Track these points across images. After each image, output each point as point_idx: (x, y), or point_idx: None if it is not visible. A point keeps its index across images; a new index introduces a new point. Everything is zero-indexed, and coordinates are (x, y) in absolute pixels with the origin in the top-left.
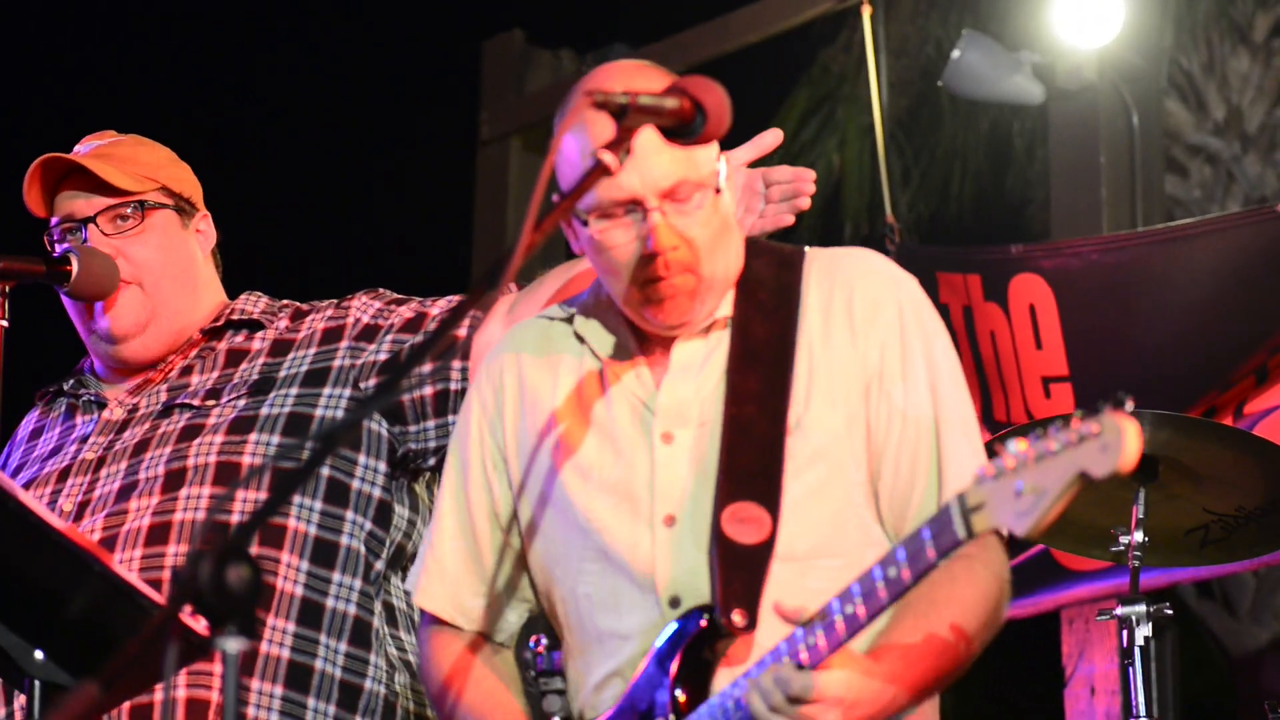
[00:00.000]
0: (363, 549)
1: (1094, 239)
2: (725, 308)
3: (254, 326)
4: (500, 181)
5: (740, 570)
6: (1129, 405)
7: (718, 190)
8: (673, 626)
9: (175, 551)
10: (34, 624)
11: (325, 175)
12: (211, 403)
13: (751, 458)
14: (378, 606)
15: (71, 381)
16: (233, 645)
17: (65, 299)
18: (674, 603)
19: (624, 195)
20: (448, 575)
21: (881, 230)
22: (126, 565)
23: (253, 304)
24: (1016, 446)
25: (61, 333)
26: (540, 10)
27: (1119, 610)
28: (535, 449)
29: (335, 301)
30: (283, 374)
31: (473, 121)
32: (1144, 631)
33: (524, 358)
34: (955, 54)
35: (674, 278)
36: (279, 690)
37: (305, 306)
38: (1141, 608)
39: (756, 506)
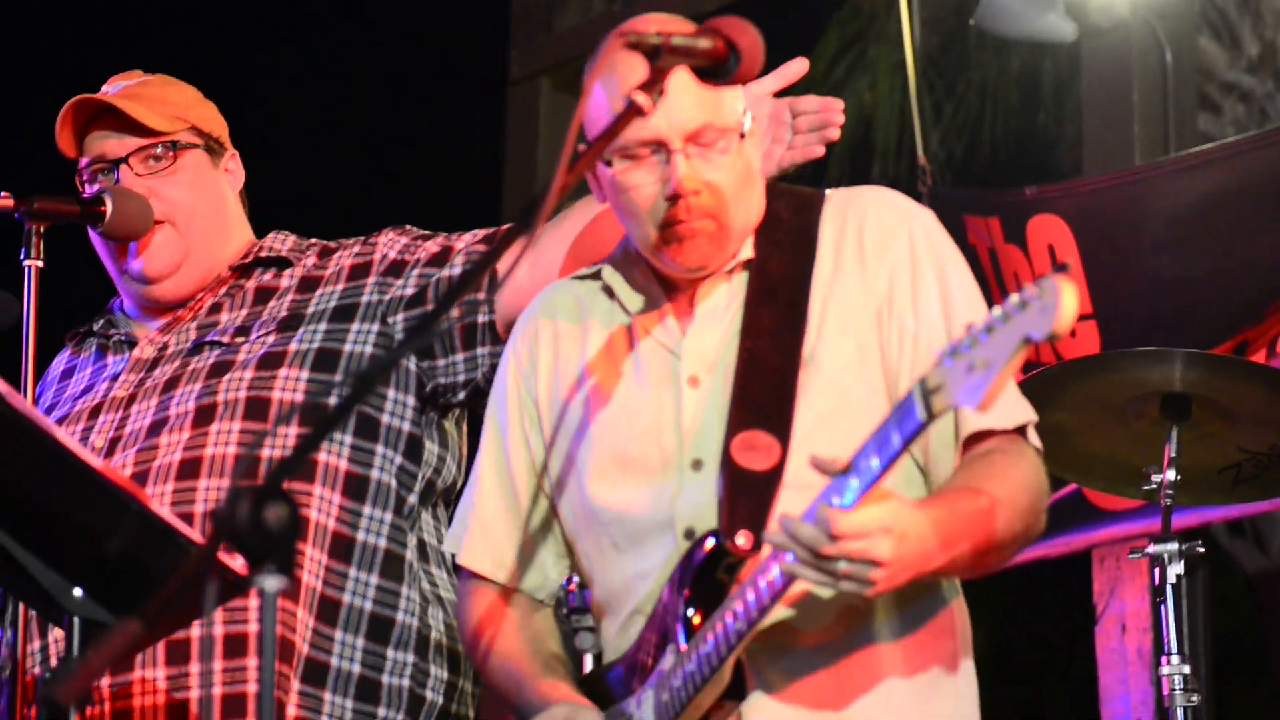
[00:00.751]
0: (394, 483)
1: (1111, 175)
2: (747, 250)
3: (282, 264)
4: (530, 120)
5: (747, 495)
6: (1070, 270)
7: (742, 136)
8: (682, 552)
9: (206, 486)
10: (72, 562)
11: (355, 114)
12: (241, 339)
13: (764, 390)
14: (411, 540)
15: (102, 322)
16: (271, 584)
17: (97, 240)
18: (688, 534)
19: (649, 136)
20: (489, 533)
21: (913, 172)
22: (158, 500)
23: (280, 242)
24: (966, 330)
25: (92, 273)
26: None
27: (1151, 549)
28: (567, 404)
29: (362, 239)
30: (311, 310)
31: (503, 60)
32: (1176, 570)
33: (557, 318)
34: None
35: (694, 221)
36: (311, 620)
37: (332, 244)
38: (1174, 546)
39: (767, 435)
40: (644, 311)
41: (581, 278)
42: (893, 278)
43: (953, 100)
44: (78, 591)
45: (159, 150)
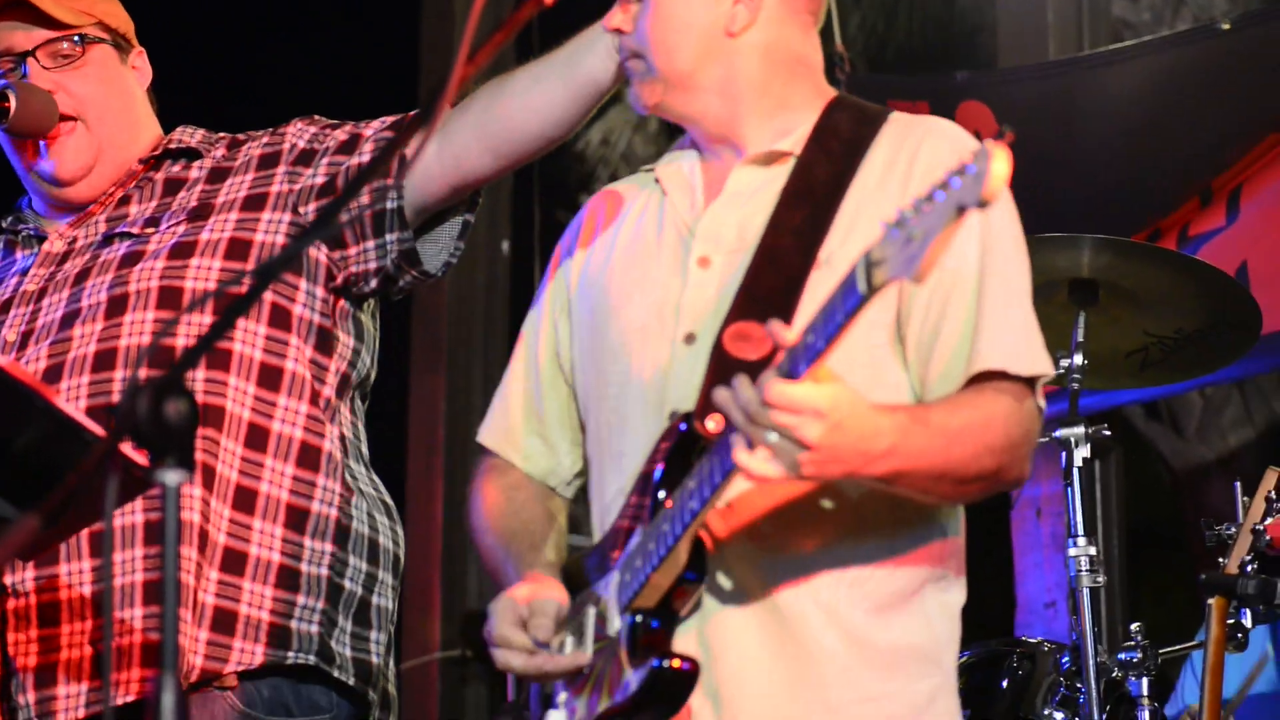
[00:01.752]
0: (307, 375)
1: (1033, 65)
2: (792, 144)
3: (191, 155)
4: (446, 6)
5: (728, 382)
6: (1008, 136)
7: None
8: (658, 435)
9: (122, 376)
10: None
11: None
12: (151, 230)
13: (773, 284)
14: (331, 432)
15: (9, 218)
16: (172, 477)
17: (3, 138)
18: (673, 416)
19: None
20: (509, 414)
21: (831, 59)
22: (74, 391)
23: (189, 135)
24: (914, 198)
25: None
26: None
27: (1058, 432)
28: (593, 284)
29: (271, 130)
30: (221, 200)
31: None
32: (1082, 453)
33: (606, 204)
34: None
35: (626, 59)
36: (226, 510)
37: (241, 136)
38: (1080, 430)
39: (759, 326)
40: (677, 188)
41: (642, 172)
42: None
43: None
44: None
45: (66, 45)
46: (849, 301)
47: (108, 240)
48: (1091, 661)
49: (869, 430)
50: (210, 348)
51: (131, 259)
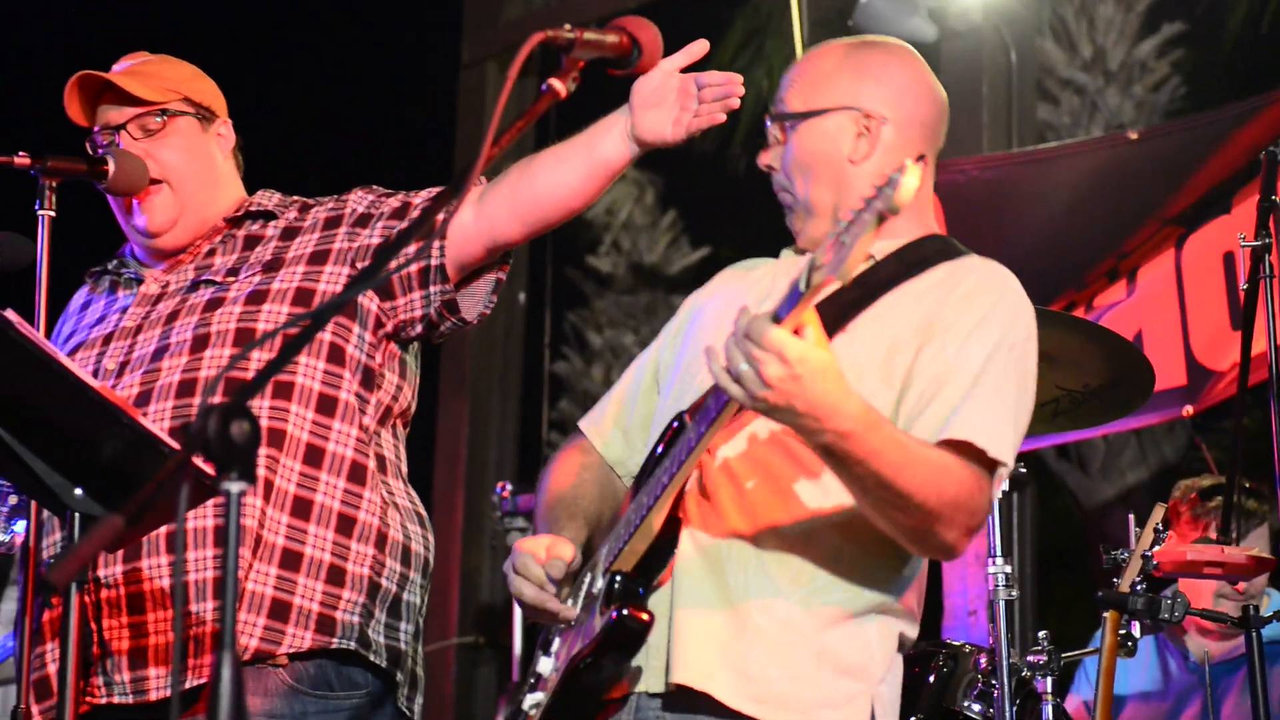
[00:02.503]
0: (356, 403)
1: (974, 159)
2: (879, 250)
3: (268, 216)
4: (479, 99)
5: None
6: (926, 161)
7: (791, 119)
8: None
9: (200, 402)
10: (74, 466)
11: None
12: (231, 279)
13: None
14: (372, 452)
15: (115, 262)
16: (235, 487)
17: (111, 198)
18: (678, 415)
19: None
20: (606, 408)
21: None
22: (160, 414)
23: (267, 198)
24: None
25: (97, 222)
26: None
27: None
28: (698, 318)
29: (335, 196)
30: (291, 254)
31: (455, 48)
32: (1002, 486)
33: (736, 269)
34: None
35: (778, 193)
36: (284, 517)
37: (311, 201)
38: None
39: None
40: (784, 273)
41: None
42: (960, 317)
43: None
44: (78, 491)
45: (153, 118)
46: (793, 298)
47: (195, 286)
48: (1005, 662)
49: (833, 398)
50: (271, 378)
51: (214, 304)
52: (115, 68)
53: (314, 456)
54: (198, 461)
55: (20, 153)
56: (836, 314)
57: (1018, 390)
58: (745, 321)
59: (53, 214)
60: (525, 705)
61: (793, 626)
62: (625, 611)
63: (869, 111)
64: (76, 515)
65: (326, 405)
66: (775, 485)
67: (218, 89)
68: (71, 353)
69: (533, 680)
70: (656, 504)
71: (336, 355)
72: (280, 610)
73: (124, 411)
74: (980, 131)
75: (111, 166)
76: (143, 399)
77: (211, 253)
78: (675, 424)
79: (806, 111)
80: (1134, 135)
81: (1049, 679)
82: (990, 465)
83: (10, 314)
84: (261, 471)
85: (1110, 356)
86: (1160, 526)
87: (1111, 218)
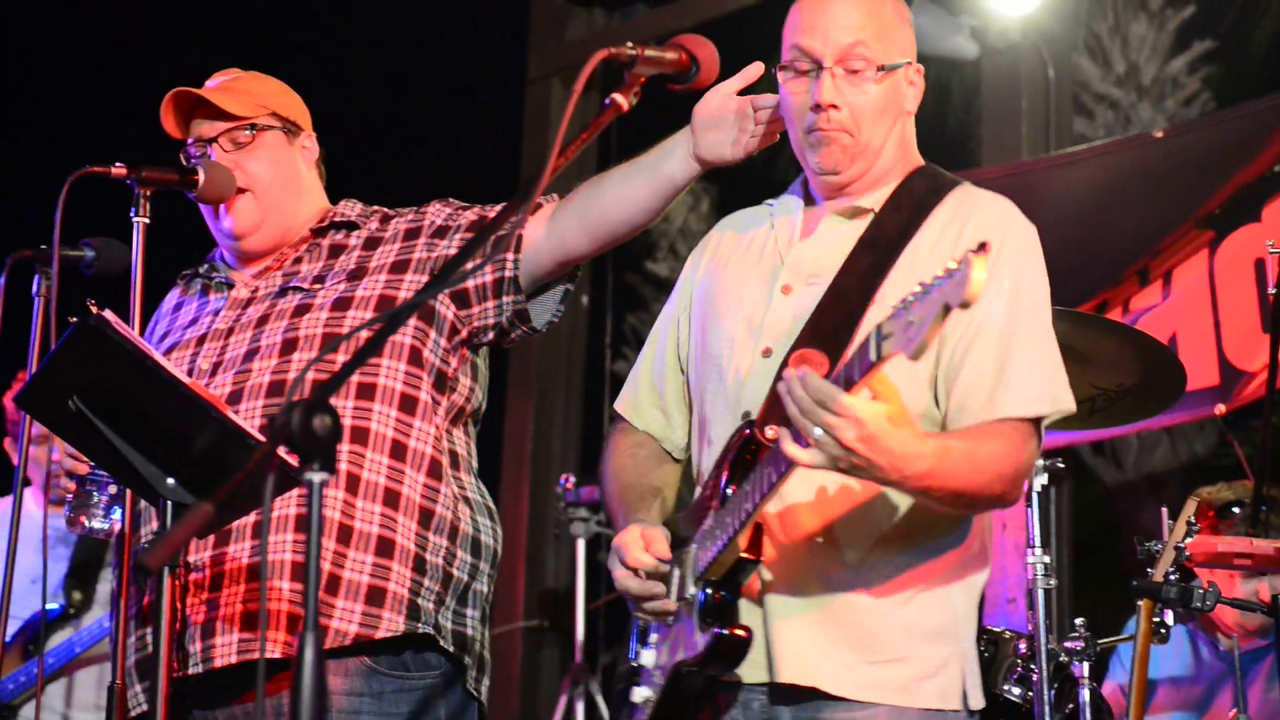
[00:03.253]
0: (431, 403)
1: (1005, 165)
2: (874, 202)
3: (351, 227)
4: (544, 114)
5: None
6: (987, 250)
7: (882, 69)
8: (731, 434)
9: (286, 400)
10: (167, 457)
11: (398, 110)
12: (318, 286)
13: (835, 317)
14: (446, 449)
15: (205, 266)
16: (317, 477)
17: (199, 204)
18: (745, 416)
19: (809, 52)
20: (637, 390)
21: None
22: (251, 412)
23: (349, 208)
24: (911, 288)
25: (188, 229)
26: None
27: None
28: (706, 293)
29: (415, 208)
30: (374, 264)
31: (521, 63)
32: (1040, 480)
33: (728, 231)
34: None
35: (832, 131)
36: (378, 508)
37: (390, 212)
38: (1040, 462)
39: (821, 354)
40: (783, 224)
41: (764, 205)
42: None
43: None
44: (170, 480)
45: (242, 132)
46: (865, 364)
47: (283, 292)
48: (1043, 648)
49: (908, 449)
50: (350, 376)
51: (301, 309)
52: (208, 84)
53: (399, 451)
54: (282, 453)
55: (117, 164)
56: (860, 285)
57: (1043, 326)
58: (814, 391)
59: (147, 220)
60: (635, 698)
61: (878, 611)
62: (725, 632)
63: (914, 62)
64: (169, 503)
65: (408, 404)
66: (845, 482)
67: (303, 104)
68: (167, 352)
69: (637, 670)
70: (742, 526)
71: (415, 358)
72: (376, 596)
73: (214, 406)
74: (1019, 144)
75: (201, 176)
76: (234, 398)
77: (298, 260)
78: (745, 431)
79: (893, 65)
80: (1158, 134)
81: (1085, 664)
82: (1037, 420)
83: (108, 314)
84: (346, 466)
85: (1144, 357)
86: (1192, 520)
87: (1141, 217)
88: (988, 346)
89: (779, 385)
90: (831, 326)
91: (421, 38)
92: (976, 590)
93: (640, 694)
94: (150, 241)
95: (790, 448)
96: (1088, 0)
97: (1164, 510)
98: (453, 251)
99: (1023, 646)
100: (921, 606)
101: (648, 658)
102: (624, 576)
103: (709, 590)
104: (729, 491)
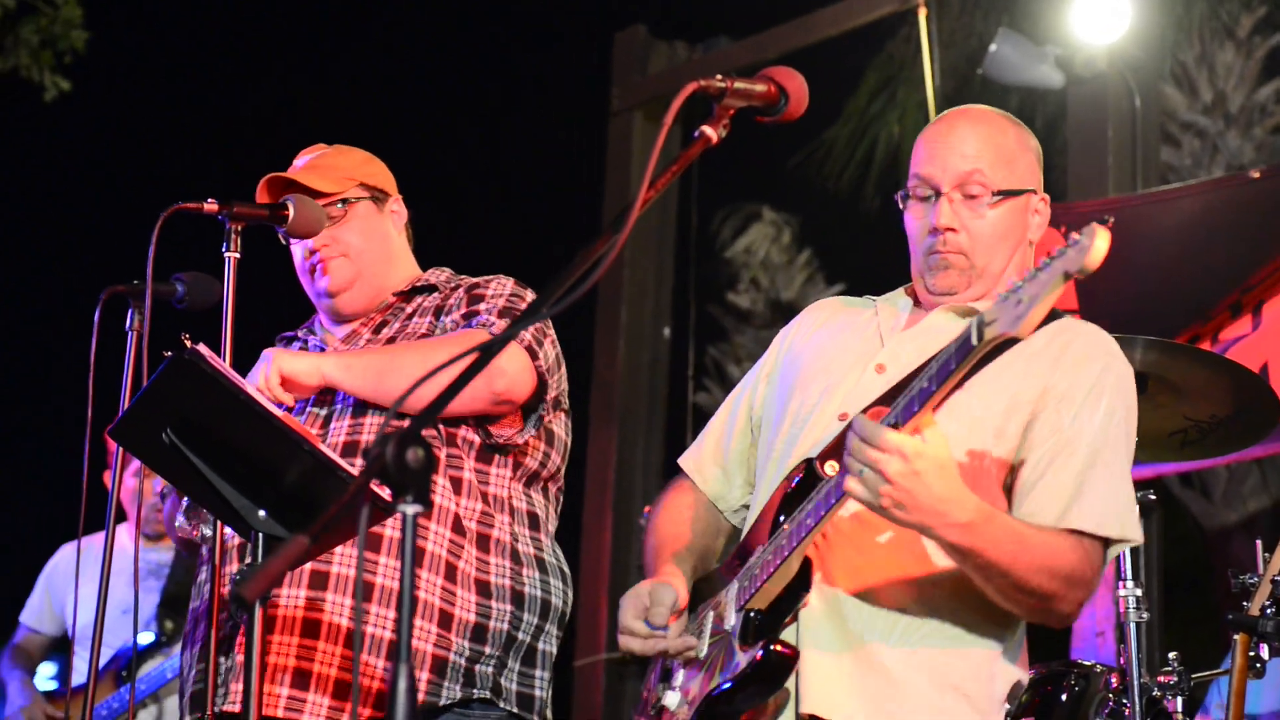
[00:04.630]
0: (476, 479)
1: (1096, 201)
2: (985, 304)
3: (431, 290)
4: (626, 147)
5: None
6: (1109, 223)
7: (999, 194)
8: (786, 473)
9: (379, 432)
10: (259, 489)
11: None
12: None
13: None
14: (508, 519)
15: (304, 329)
16: (410, 509)
17: (302, 272)
18: (804, 460)
19: (928, 179)
20: (704, 445)
21: None
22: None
23: (436, 274)
24: (1023, 271)
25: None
26: (660, 9)
27: None
28: (794, 359)
29: (486, 278)
30: (438, 331)
31: (605, 97)
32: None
33: (830, 310)
34: (993, 47)
35: (949, 254)
36: (439, 580)
37: (469, 281)
38: None
39: (889, 411)
40: (887, 317)
41: (856, 297)
42: (1072, 385)
43: None
44: (262, 513)
45: (335, 207)
46: (963, 350)
47: None
48: (1136, 682)
49: (952, 494)
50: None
51: None
52: (297, 162)
53: (476, 538)
54: (374, 486)
55: (209, 200)
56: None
57: (1126, 457)
58: (860, 429)
59: (237, 256)
60: None
61: (915, 664)
62: (773, 647)
63: (1040, 193)
64: (260, 535)
65: (454, 484)
66: (897, 536)
67: (387, 170)
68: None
69: (654, 714)
70: (792, 553)
71: (450, 440)
72: (439, 667)
73: (305, 439)
74: (1105, 174)
75: (291, 211)
76: (349, 449)
77: (383, 324)
78: (804, 468)
79: (1011, 190)
80: (1256, 174)
81: (1180, 699)
82: (1105, 542)
83: (202, 348)
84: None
85: (1236, 388)
86: None
87: (1234, 254)
88: (1073, 461)
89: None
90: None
91: (505, 74)
92: (1011, 678)
93: None
94: (240, 276)
95: (847, 481)
96: (1174, 28)
97: (1259, 543)
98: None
99: (1114, 680)
100: (963, 674)
101: (671, 699)
102: (626, 640)
103: (751, 614)
104: (780, 522)
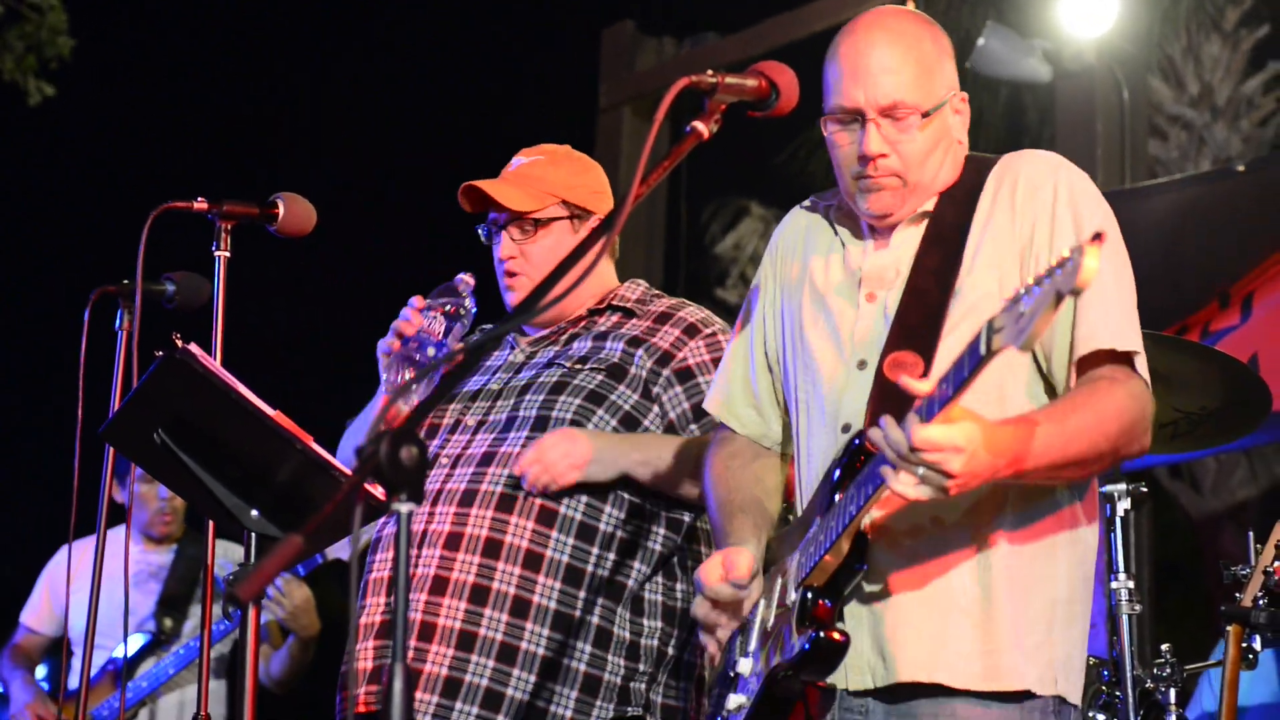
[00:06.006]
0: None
1: None
2: (929, 205)
3: (628, 313)
4: (615, 142)
5: (890, 402)
6: (1101, 238)
7: (926, 114)
8: (840, 444)
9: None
10: (251, 489)
11: (468, 140)
12: (579, 366)
13: (919, 317)
14: (593, 553)
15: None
16: (404, 508)
17: (500, 272)
18: (845, 428)
19: (850, 106)
20: (729, 388)
21: None
22: (496, 478)
23: (631, 291)
24: (1023, 281)
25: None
26: (648, 5)
27: (1104, 488)
28: (790, 296)
29: (689, 329)
30: (633, 372)
31: (593, 93)
32: (1123, 505)
33: (795, 237)
34: (980, 41)
35: (880, 178)
36: (545, 631)
37: (668, 308)
38: (1122, 486)
39: (914, 355)
40: (852, 244)
41: (811, 209)
42: (1035, 220)
43: None
44: (255, 512)
45: (527, 224)
46: (974, 359)
47: (549, 364)
48: (1129, 674)
49: (999, 449)
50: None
51: (559, 387)
52: (510, 165)
53: (566, 572)
54: (367, 486)
55: (199, 198)
56: (936, 281)
57: (1120, 270)
58: (901, 438)
59: (228, 254)
60: (729, 705)
61: (994, 600)
62: (822, 635)
63: (957, 89)
64: (252, 536)
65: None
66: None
67: (599, 184)
68: (453, 398)
69: (733, 677)
70: (844, 531)
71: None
72: (592, 686)
73: (298, 438)
74: (1093, 167)
75: (281, 210)
76: (486, 459)
77: (573, 338)
78: (855, 442)
79: (936, 106)
80: (1241, 168)
81: (1173, 691)
82: (1129, 358)
83: (194, 348)
84: (566, 559)
85: (1226, 379)
86: None
87: (1222, 246)
88: (1066, 304)
89: (869, 435)
90: (917, 325)
91: (494, 72)
92: (1088, 557)
93: (735, 701)
94: (231, 276)
95: (900, 485)
96: (1161, 21)
97: (1250, 534)
98: (679, 410)
99: (1107, 673)
100: (1034, 584)
101: (745, 666)
102: (701, 608)
103: (809, 594)
104: (836, 498)
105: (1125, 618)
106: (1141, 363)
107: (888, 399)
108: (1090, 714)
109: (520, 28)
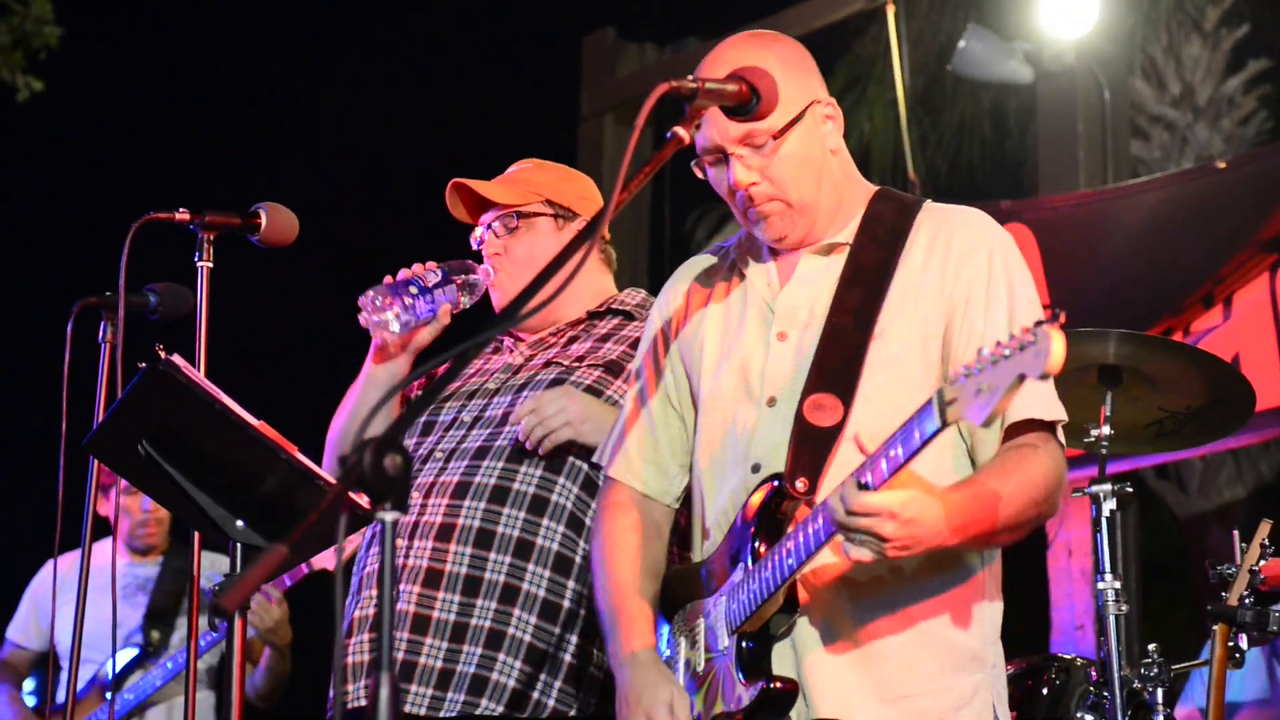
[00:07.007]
0: (570, 506)
1: (1068, 195)
2: (847, 235)
3: (628, 317)
4: (597, 150)
5: (810, 446)
6: (1061, 319)
7: (779, 134)
8: (753, 489)
9: (525, 471)
10: (236, 499)
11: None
12: (577, 364)
13: (839, 358)
14: (581, 546)
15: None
16: (389, 516)
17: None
18: (755, 469)
19: (710, 146)
20: (626, 448)
21: (904, 186)
22: (490, 471)
23: (631, 297)
24: (978, 355)
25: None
26: (629, 11)
27: (1090, 488)
28: (688, 342)
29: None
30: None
31: (574, 101)
32: (1109, 505)
33: (694, 279)
34: (962, 43)
35: (761, 205)
36: (533, 619)
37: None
38: (1108, 486)
39: (833, 397)
40: (756, 272)
41: (714, 252)
42: (970, 285)
43: (935, 131)
44: (240, 522)
45: (510, 218)
46: (927, 428)
47: (547, 364)
48: (1116, 674)
49: (939, 519)
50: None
51: (556, 384)
52: (507, 172)
53: (556, 561)
54: (352, 495)
55: (180, 209)
56: (856, 322)
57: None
58: (839, 505)
59: (210, 265)
60: None
61: (909, 644)
62: (772, 685)
63: (821, 98)
64: (238, 546)
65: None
66: None
67: (586, 191)
68: (450, 394)
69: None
70: (784, 583)
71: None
72: (576, 677)
73: (282, 448)
74: (1076, 168)
75: (264, 220)
76: (480, 454)
77: (572, 340)
78: (775, 484)
79: (788, 123)
80: (1222, 165)
81: (1160, 690)
82: (1052, 426)
83: (177, 359)
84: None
85: (1211, 378)
86: (1266, 542)
87: (1204, 245)
88: None
89: (825, 510)
90: (836, 367)
91: (474, 79)
92: (998, 619)
93: None
94: (213, 286)
95: (846, 546)
96: (1141, 21)
97: (1235, 533)
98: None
99: (1094, 673)
100: (955, 636)
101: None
102: None
103: (744, 643)
104: (758, 546)
105: (1112, 618)
106: (1062, 430)
107: (810, 443)
108: (1078, 715)
109: (501, 36)
